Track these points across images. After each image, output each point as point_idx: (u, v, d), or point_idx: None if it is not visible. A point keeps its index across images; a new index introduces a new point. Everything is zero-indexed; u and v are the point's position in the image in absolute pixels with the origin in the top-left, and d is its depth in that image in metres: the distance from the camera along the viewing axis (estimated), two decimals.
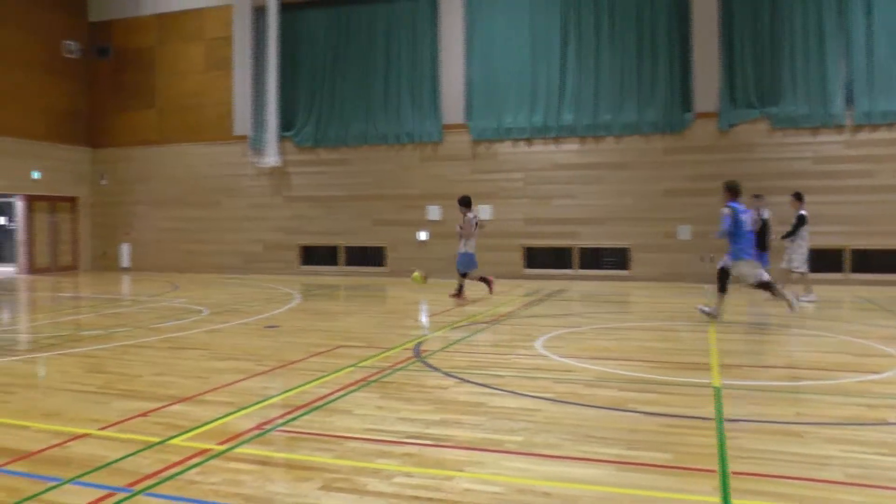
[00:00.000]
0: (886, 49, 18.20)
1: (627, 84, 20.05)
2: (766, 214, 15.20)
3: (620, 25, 20.12)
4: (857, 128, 18.36)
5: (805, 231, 14.64)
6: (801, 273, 14.70)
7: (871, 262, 18.47)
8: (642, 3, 19.94)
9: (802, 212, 14.60)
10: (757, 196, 15.29)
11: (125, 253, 25.13)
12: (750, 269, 11.67)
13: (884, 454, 5.27)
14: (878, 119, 18.14)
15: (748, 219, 11.79)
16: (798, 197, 14.93)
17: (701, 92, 19.43)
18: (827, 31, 18.61)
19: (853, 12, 18.43)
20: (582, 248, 20.62)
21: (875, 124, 18.21)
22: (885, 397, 6.95)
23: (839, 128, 18.41)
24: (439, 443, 5.53)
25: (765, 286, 11.67)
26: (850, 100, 18.45)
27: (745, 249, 11.62)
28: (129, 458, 5.12)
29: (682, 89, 19.70)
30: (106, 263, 25.41)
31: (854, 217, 18.29)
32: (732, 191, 11.87)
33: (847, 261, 18.55)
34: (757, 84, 19.21)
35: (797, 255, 14.59)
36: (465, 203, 15.56)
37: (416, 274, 16.19)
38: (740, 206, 11.78)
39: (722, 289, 11.93)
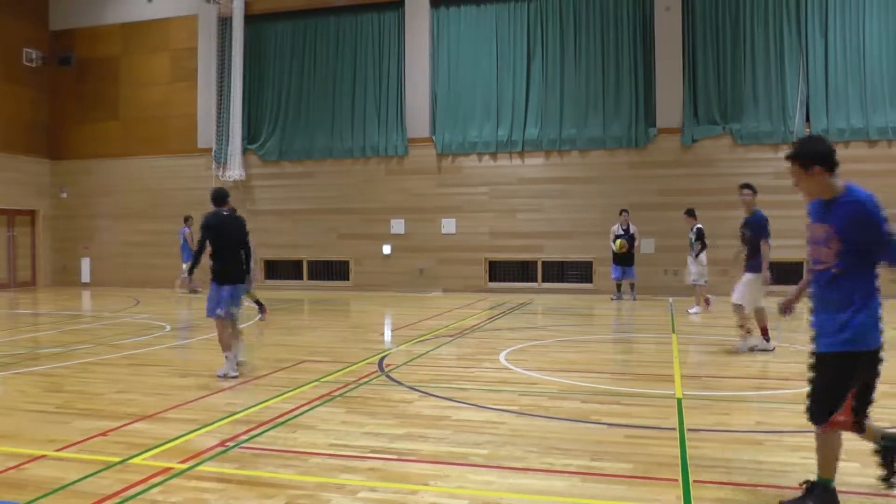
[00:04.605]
0: (841, 70, 18.73)
1: (592, 99, 20.24)
2: (633, 229, 18.23)
3: (585, 41, 20.33)
4: None
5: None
6: (701, 285, 15.61)
7: None
8: (607, 19, 20.18)
9: (700, 226, 15.53)
10: (624, 211, 18.40)
11: (86, 268, 24.80)
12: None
13: (842, 460, 5.33)
14: (834, 136, 18.50)
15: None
16: (691, 213, 15.82)
17: (664, 108, 19.66)
18: (786, 50, 19.06)
19: (811, 33, 18.94)
20: (546, 262, 20.71)
21: (832, 141, 18.52)
22: None
23: None
24: (404, 457, 5.52)
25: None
26: (808, 117, 18.84)
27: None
28: (89, 479, 5.04)
29: (646, 105, 19.93)
30: (66, 278, 25.05)
31: None
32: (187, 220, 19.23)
33: (806, 272, 18.82)
34: (719, 101, 19.52)
35: (696, 269, 15.64)
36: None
37: None
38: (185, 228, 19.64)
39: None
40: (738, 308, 10.15)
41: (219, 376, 8.61)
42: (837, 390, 4.27)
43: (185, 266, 19.96)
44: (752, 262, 10.11)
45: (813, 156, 4.41)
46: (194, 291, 19.39)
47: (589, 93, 20.28)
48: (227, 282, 9.10)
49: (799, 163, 4.48)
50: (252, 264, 9.80)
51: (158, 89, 24.11)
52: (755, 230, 9.98)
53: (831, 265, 4.32)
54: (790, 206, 18.62)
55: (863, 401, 4.32)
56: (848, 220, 4.24)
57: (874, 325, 4.27)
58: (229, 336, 8.88)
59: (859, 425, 4.37)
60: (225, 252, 9.16)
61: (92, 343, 11.58)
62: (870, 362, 4.29)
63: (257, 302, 14.39)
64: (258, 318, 14.13)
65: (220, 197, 9.35)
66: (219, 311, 8.95)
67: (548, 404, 7.20)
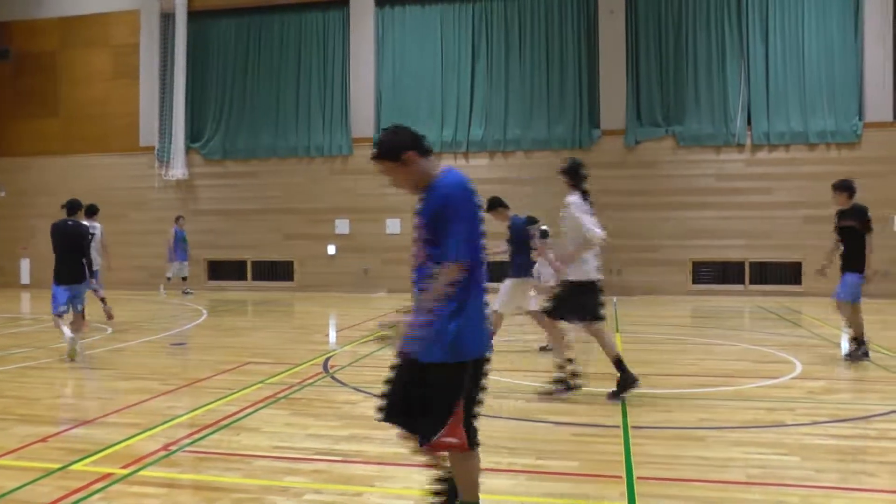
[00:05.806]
0: (781, 74, 19.14)
1: (537, 100, 20.38)
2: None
3: (530, 43, 20.46)
4: (757, 147, 19.12)
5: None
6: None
7: (769, 274, 19.19)
8: (551, 21, 20.33)
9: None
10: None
11: (25, 269, 24.21)
12: None
13: (782, 454, 5.51)
14: (775, 139, 18.95)
15: None
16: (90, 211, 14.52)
17: (608, 109, 19.88)
18: (728, 54, 19.42)
19: (752, 38, 19.34)
20: (489, 262, 20.75)
21: (773, 144, 19.00)
22: (782, 401, 7.26)
23: (740, 147, 19.13)
24: (349, 458, 5.51)
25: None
26: (749, 120, 19.22)
27: None
28: (27, 487, 4.94)
29: (590, 106, 20.13)
30: (4, 280, 24.42)
31: (753, 231, 18.96)
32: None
33: (747, 273, 19.21)
34: (662, 103, 19.81)
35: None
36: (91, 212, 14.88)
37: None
38: None
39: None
40: (499, 315, 9.95)
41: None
42: (442, 407, 3.73)
43: (168, 266, 20.81)
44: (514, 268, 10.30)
45: (401, 143, 3.97)
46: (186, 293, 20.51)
47: (534, 94, 20.42)
48: (64, 282, 10.35)
49: (390, 156, 4.01)
50: (96, 268, 10.99)
51: (99, 86, 23.63)
52: (513, 235, 10.00)
53: (424, 261, 3.87)
54: (731, 207, 19.05)
55: (468, 418, 3.80)
56: (432, 209, 3.87)
57: (473, 333, 3.78)
58: (71, 326, 10.12)
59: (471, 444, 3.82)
60: (64, 256, 10.62)
61: (30, 347, 11.34)
62: (473, 374, 3.81)
63: (103, 303, 13.66)
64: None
65: (71, 206, 11.13)
66: (61, 308, 10.16)
67: (492, 403, 7.21)
